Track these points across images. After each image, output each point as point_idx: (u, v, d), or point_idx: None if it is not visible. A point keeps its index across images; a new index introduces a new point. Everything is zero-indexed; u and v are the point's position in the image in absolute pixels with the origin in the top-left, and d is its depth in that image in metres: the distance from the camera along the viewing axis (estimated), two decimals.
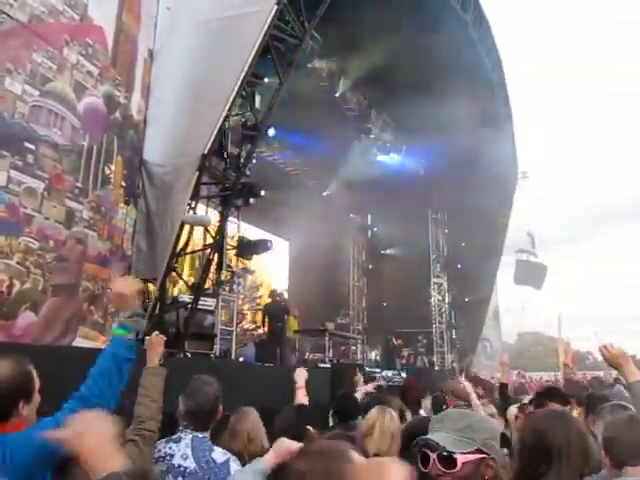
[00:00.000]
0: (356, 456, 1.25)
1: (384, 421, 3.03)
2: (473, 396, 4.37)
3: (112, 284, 3.13)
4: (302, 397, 3.77)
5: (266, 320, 11.74)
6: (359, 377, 6.30)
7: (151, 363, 2.58)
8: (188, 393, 2.52)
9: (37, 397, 2.01)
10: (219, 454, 2.32)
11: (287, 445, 2.16)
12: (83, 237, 5.96)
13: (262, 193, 9.18)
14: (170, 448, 2.29)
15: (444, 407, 4.33)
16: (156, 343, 2.69)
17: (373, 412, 3.17)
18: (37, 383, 2.01)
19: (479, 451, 1.49)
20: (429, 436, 1.54)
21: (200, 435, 2.38)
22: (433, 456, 1.49)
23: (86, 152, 6.06)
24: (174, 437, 2.33)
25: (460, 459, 1.46)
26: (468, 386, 4.59)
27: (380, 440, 2.93)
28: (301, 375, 3.94)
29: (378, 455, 2.66)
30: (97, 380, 2.08)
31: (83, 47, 6.07)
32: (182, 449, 2.30)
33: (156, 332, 2.78)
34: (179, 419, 2.53)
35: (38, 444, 1.71)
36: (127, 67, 6.89)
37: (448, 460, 1.48)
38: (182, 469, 2.25)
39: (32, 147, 5.41)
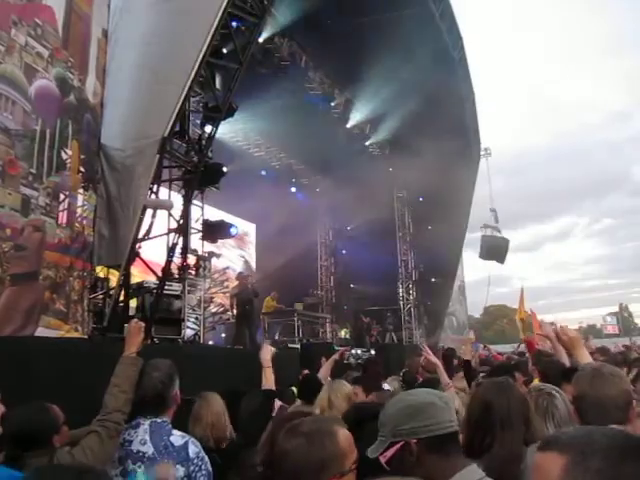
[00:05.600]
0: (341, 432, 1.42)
1: (330, 392, 3.13)
2: (440, 369, 4.26)
3: None
4: (270, 380, 3.70)
5: (234, 303, 11.74)
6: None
7: (128, 352, 2.43)
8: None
9: (1, 407, 1.95)
10: (177, 437, 2.30)
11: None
12: (41, 224, 5.79)
13: (224, 169, 9.01)
14: (129, 434, 2.28)
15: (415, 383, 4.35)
16: (135, 331, 2.51)
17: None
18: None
19: (393, 443, 1.49)
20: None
21: (159, 420, 2.34)
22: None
23: (39, 137, 5.85)
24: (133, 423, 2.31)
25: (382, 459, 1.48)
26: (433, 358, 4.49)
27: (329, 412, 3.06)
28: (267, 353, 3.84)
29: None
30: None
31: (32, 28, 5.81)
32: (140, 434, 2.28)
33: (135, 319, 2.59)
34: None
35: None
36: (80, 48, 6.64)
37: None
38: (141, 454, 2.23)
39: None
